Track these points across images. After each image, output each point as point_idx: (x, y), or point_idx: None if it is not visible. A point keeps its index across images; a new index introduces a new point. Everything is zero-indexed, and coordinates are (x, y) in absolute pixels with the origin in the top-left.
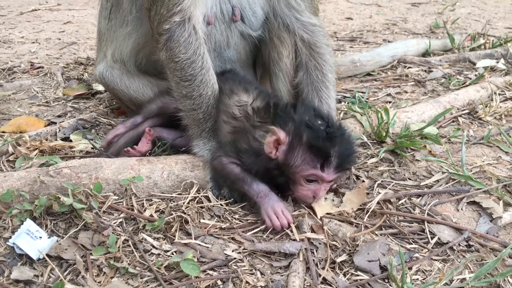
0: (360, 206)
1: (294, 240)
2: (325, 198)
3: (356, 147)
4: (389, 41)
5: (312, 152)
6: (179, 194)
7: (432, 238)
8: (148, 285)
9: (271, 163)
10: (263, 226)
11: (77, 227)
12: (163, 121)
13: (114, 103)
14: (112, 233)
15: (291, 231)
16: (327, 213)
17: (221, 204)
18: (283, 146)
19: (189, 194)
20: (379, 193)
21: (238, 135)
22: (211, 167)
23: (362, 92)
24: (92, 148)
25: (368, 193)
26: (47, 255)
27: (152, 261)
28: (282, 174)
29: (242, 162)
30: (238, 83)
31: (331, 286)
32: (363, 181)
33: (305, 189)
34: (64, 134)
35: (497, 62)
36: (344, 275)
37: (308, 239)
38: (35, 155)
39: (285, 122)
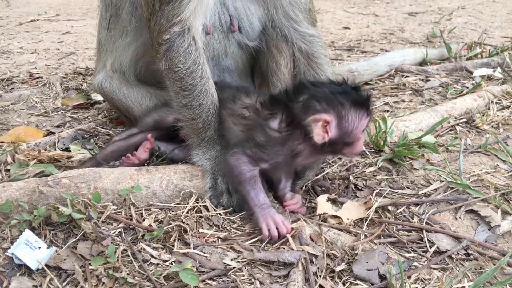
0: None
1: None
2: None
3: None
4: (386, 51)
5: (360, 108)
6: (178, 203)
7: (430, 247)
8: None
9: (322, 146)
10: (261, 236)
11: (76, 237)
12: (160, 135)
13: (113, 113)
14: (111, 243)
15: (288, 241)
16: (325, 219)
17: (219, 214)
18: (332, 123)
19: (188, 204)
20: (377, 201)
21: (253, 131)
22: (224, 161)
23: None
24: (90, 158)
25: (366, 202)
26: (46, 265)
27: (151, 271)
28: (333, 148)
29: (262, 159)
30: (236, 90)
31: None
32: (361, 190)
33: (361, 140)
34: (64, 144)
35: (494, 71)
36: (343, 284)
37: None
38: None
39: (309, 105)
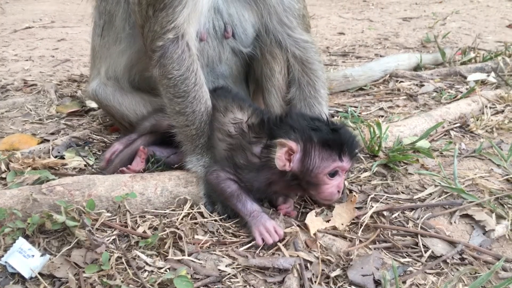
0: (354, 220)
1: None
2: (320, 213)
3: (355, 134)
4: (381, 56)
5: (328, 148)
6: (172, 210)
7: (425, 252)
8: None
9: (285, 176)
10: (255, 242)
11: (70, 244)
12: (156, 138)
13: (107, 120)
14: (105, 250)
15: (282, 249)
16: (318, 231)
17: (214, 220)
18: (297, 154)
19: (182, 210)
20: (373, 206)
21: (234, 152)
22: (206, 181)
23: (355, 107)
24: (85, 165)
25: (361, 207)
26: (40, 273)
27: (145, 278)
28: (299, 183)
29: (239, 178)
30: (232, 101)
31: None
32: (354, 195)
33: (329, 186)
34: (59, 152)
35: (488, 76)
36: None
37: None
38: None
39: (287, 132)
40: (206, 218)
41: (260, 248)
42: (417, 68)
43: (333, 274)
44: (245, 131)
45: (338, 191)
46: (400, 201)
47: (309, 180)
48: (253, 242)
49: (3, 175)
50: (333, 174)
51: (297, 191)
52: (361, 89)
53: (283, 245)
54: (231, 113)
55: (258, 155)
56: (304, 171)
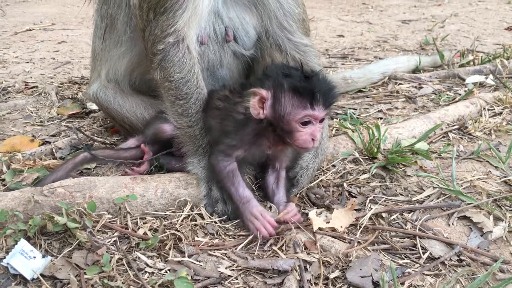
0: (352, 221)
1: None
2: (319, 213)
3: (334, 83)
4: (380, 58)
5: (298, 95)
6: (173, 212)
7: (423, 253)
8: None
9: (262, 125)
10: (251, 236)
11: (71, 246)
12: (158, 147)
13: (108, 122)
14: (106, 252)
15: (282, 248)
16: (320, 228)
17: (214, 222)
18: (268, 101)
19: (182, 212)
20: (371, 208)
21: (224, 121)
22: (208, 164)
23: (354, 109)
24: (85, 169)
25: (360, 209)
26: (41, 275)
27: (146, 279)
28: (275, 130)
29: (232, 146)
30: (217, 87)
31: None
32: (355, 197)
33: (303, 133)
34: (62, 154)
35: (486, 78)
36: None
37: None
38: None
39: (262, 82)
40: (206, 220)
41: (258, 243)
42: (416, 70)
43: (332, 276)
44: (229, 96)
45: (313, 139)
46: (398, 203)
47: (283, 127)
48: (254, 243)
49: (3, 177)
50: (305, 122)
51: (281, 141)
52: (360, 91)
53: (280, 246)
54: (216, 93)
55: (244, 112)
56: (277, 118)
